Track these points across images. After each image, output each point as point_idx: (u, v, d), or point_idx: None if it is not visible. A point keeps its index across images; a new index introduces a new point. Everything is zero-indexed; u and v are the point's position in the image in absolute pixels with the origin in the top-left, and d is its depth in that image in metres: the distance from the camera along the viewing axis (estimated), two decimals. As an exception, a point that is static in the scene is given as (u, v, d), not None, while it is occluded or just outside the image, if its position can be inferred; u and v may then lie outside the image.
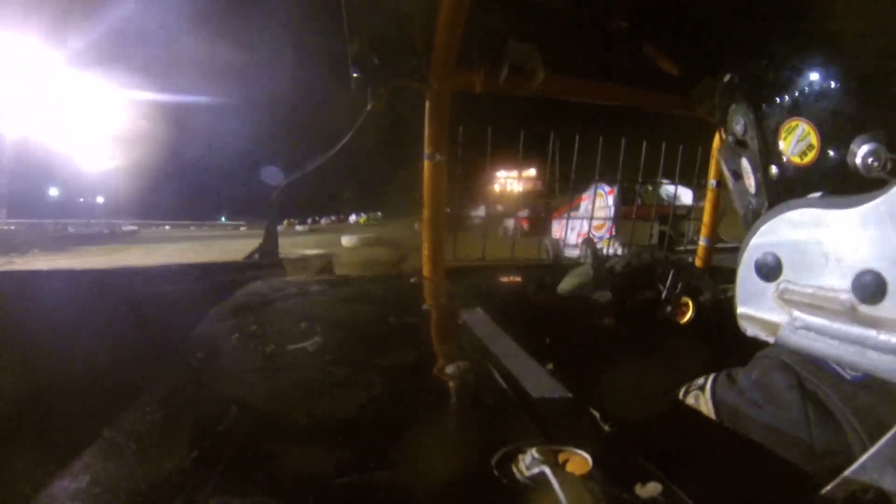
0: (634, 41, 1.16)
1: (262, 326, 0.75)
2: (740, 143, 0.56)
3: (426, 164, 1.16)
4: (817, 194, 0.49)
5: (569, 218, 3.47)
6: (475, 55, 1.13)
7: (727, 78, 0.59)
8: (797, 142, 0.49)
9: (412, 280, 1.16)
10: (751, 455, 0.42)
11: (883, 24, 0.47)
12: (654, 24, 1.13)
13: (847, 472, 0.34)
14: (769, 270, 0.52)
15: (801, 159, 0.49)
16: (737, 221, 0.65)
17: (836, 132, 0.47)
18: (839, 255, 0.46)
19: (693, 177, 1.64)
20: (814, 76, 0.48)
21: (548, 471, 0.32)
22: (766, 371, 0.52)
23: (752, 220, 0.58)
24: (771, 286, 0.52)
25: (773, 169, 0.52)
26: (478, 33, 1.07)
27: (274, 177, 1.24)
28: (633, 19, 1.09)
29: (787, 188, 0.51)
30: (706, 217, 1.54)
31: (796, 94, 0.49)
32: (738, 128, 0.55)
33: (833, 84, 0.47)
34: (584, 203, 4.67)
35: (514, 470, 0.33)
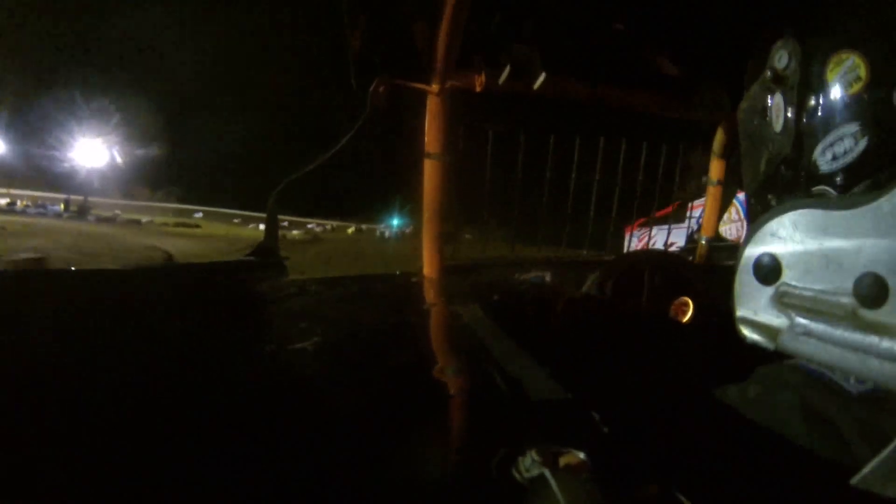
0: (636, 43, 1.16)
1: (261, 326, 0.75)
2: (778, 79, 0.55)
3: (426, 163, 1.17)
4: (854, 126, 0.47)
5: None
6: (476, 55, 1.13)
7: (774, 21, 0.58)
8: (845, 73, 0.49)
9: (412, 279, 1.16)
10: (751, 457, 0.42)
11: None
12: (656, 26, 1.13)
13: (852, 481, 0.34)
14: (768, 273, 0.51)
15: (846, 91, 0.49)
16: None
17: (887, 67, 0.46)
18: (840, 258, 0.45)
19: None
20: (874, 11, 0.48)
21: (547, 472, 0.32)
22: (765, 390, 0.51)
23: (767, 165, 0.57)
24: (770, 289, 0.51)
25: (812, 101, 0.51)
26: (479, 33, 1.07)
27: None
28: (634, 21, 1.09)
29: (822, 121, 0.50)
30: (706, 215, 1.55)
31: (853, 27, 0.48)
32: (781, 62, 0.54)
33: (892, 23, 0.47)
34: (698, 212, 2.72)
35: (514, 471, 0.33)
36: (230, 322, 0.76)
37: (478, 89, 1.15)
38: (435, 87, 1.12)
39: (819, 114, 0.51)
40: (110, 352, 0.59)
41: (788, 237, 0.50)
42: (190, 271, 1.15)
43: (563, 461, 0.34)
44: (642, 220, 1.75)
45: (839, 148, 0.49)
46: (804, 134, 0.52)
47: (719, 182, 1.51)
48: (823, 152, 0.50)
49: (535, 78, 1.11)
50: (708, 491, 0.33)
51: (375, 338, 0.71)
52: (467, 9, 0.98)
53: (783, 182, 0.53)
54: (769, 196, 0.59)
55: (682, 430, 0.45)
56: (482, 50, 1.12)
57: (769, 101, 0.57)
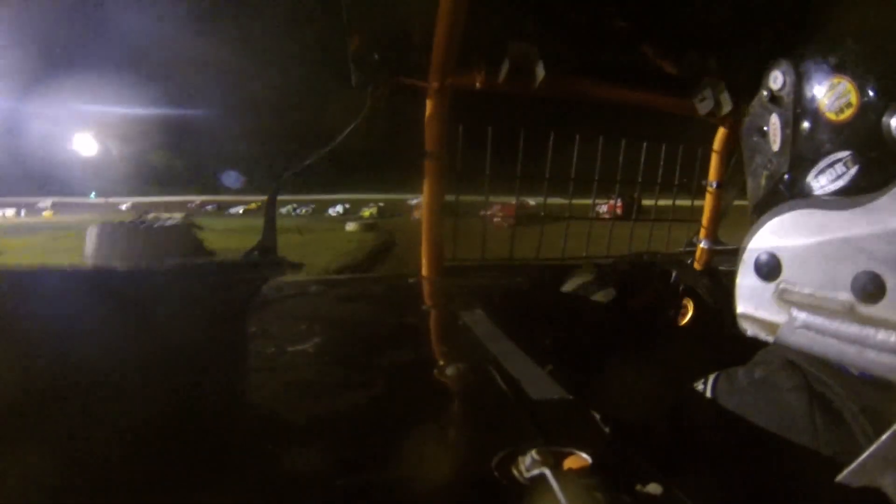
0: (635, 40, 1.16)
1: (261, 327, 0.75)
2: (774, 99, 0.56)
3: (426, 162, 1.16)
4: (846, 153, 0.49)
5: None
6: (475, 54, 1.13)
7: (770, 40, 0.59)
8: (836, 99, 0.50)
9: (411, 280, 1.16)
10: (751, 455, 0.42)
11: None
12: (655, 23, 1.13)
13: (847, 472, 0.35)
14: (769, 270, 0.52)
15: (837, 116, 0.50)
16: (736, 223, 0.65)
17: (876, 95, 0.47)
18: (838, 256, 0.46)
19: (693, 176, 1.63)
20: (864, 40, 0.49)
21: (548, 473, 0.32)
22: (770, 370, 0.51)
23: (767, 182, 0.58)
24: (771, 286, 0.52)
25: (806, 124, 0.53)
26: (478, 32, 1.07)
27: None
28: (633, 19, 1.09)
29: (815, 145, 0.52)
30: (706, 218, 1.54)
31: (844, 54, 0.50)
32: (776, 83, 0.55)
33: (883, 50, 0.48)
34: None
35: (514, 472, 0.33)
36: (227, 322, 0.75)
37: (477, 87, 1.15)
38: (434, 85, 1.11)
39: (812, 138, 0.52)
40: (108, 351, 0.59)
41: (788, 235, 0.51)
42: (188, 269, 1.15)
43: (563, 461, 0.34)
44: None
45: (831, 174, 0.50)
46: (799, 156, 0.53)
47: (719, 184, 1.50)
48: (817, 177, 0.51)
49: (535, 76, 1.11)
50: (708, 491, 0.33)
51: (375, 339, 0.71)
52: (466, 6, 0.98)
53: (782, 201, 0.54)
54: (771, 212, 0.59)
55: (683, 430, 0.46)
56: (482, 47, 1.12)
57: (767, 119, 0.58)
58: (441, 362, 0.56)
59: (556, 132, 1.46)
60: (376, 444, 0.40)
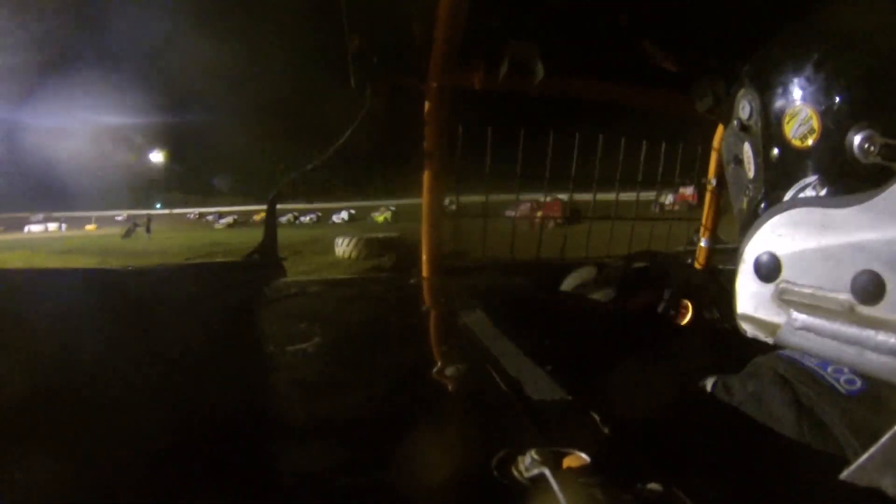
0: (635, 38, 1.16)
1: (262, 327, 0.75)
2: (744, 128, 0.57)
3: (425, 162, 1.16)
4: (814, 177, 0.50)
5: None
6: (475, 53, 1.13)
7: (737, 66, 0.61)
8: (799, 126, 0.51)
9: (411, 281, 1.16)
10: (750, 456, 0.42)
11: (886, 24, 0.48)
12: (655, 20, 1.13)
13: (847, 472, 0.35)
14: (768, 271, 0.52)
15: (802, 142, 0.51)
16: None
17: (836, 118, 0.48)
18: (838, 255, 0.46)
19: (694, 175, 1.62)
20: (819, 67, 0.50)
21: (547, 473, 0.32)
22: (762, 385, 0.51)
23: (748, 207, 0.59)
24: (770, 287, 0.52)
25: (775, 151, 0.54)
26: (477, 31, 1.07)
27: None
28: (633, 16, 1.09)
29: (785, 171, 0.53)
30: (705, 217, 1.54)
31: (802, 82, 0.51)
32: (744, 113, 0.57)
33: (837, 75, 0.49)
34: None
35: (514, 472, 0.33)
36: (228, 322, 0.76)
37: (476, 87, 1.15)
38: (433, 85, 1.11)
39: (782, 165, 0.54)
40: (109, 351, 0.59)
41: (788, 235, 0.51)
42: (188, 271, 1.15)
43: (563, 461, 0.34)
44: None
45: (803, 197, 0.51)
46: (772, 183, 0.55)
47: (719, 182, 1.50)
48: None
49: (535, 74, 1.11)
50: (708, 491, 0.33)
51: (375, 339, 0.71)
52: (466, 6, 0.98)
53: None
54: None
55: (682, 430, 0.46)
56: (481, 47, 1.12)
57: (741, 148, 0.59)
58: (441, 362, 0.56)
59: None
60: (376, 444, 0.40)
